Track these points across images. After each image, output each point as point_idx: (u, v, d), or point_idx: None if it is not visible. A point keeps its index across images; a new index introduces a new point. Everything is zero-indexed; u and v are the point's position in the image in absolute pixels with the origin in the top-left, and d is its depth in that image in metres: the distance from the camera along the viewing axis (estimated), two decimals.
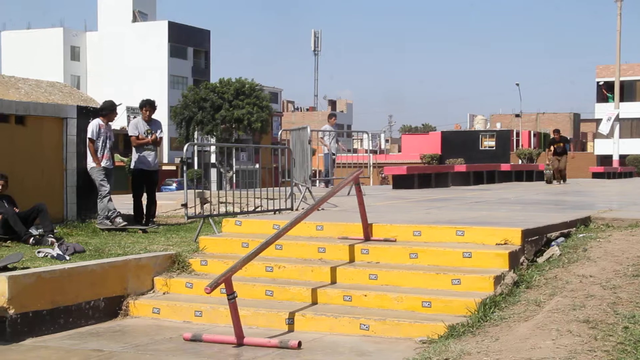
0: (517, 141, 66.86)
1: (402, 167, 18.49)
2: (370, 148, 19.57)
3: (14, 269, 7.58)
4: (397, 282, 7.64)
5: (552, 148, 22.95)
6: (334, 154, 18.12)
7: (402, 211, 11.23)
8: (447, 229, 8.43)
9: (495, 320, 6.35)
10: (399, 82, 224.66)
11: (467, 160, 27.14)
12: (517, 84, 75.57)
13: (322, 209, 10.61)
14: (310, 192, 13.02)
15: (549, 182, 22.27)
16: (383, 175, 18.52)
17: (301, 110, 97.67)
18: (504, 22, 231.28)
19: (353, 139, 52.12)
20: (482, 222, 8.90)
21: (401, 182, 18.04)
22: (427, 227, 8.54)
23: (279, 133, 18.13)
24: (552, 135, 23.97)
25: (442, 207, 11.83)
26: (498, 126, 74.16)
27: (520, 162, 52.45)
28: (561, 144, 22.87)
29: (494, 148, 55.32)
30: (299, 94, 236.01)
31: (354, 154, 27.75)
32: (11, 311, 6.97)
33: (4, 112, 10.57)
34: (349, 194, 13.70)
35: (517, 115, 76.33)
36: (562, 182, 22.72)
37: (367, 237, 8.54)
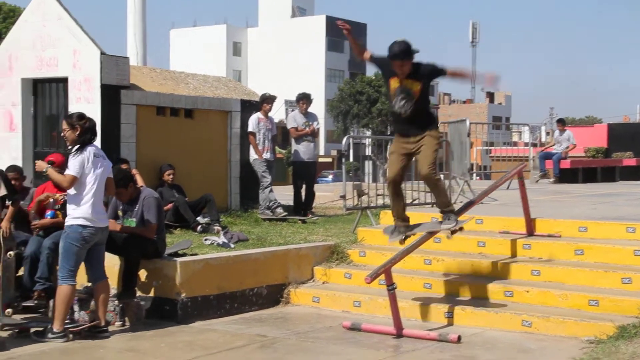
0: None
1: (565, 161, 17.77)
2: (531, 141, 18.91)
3: (184, 255, 7.98)
4: (561, 279, 7.38)
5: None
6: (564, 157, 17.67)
7: (566, 206, 10.81)
8: (616, 225, 8.03)
9: None
10: (561, 72, 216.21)
11: (636, 154, 25.65)
12: None
13: (482, 203, 10.39)
14: (469, 185, 12.81)
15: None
16: (544, 169, 17.84)
17: (458, 103, 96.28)
18: None
19: (512, 132, 50.86)
20: None
21: (564, 176, 17.37)
22: (593, 223, 8.18)
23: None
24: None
25: (610, 203, 11.27)
26: None
27: None
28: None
29: None
30: (455, 86, 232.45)
31: (513, 147, 27.06)
32: (182, 295, 7.36)
33: (175, 106, 11.13)
34: (508, 188, 13.34)
35: None
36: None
37: (530, 232, 8.29)
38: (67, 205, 6.79)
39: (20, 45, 10.81)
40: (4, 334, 6.68)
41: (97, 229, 6.75)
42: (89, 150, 6.71)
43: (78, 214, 6.65)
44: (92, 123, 6.89)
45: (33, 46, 10.65)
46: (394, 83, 6.93)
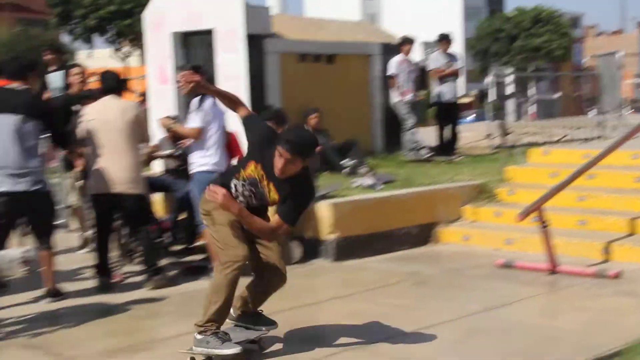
0: None
1: None
2: None
3: (334, 197, 8.17)
4: None
5: None
6: None
7: None
8: None
9: None
10: None
11: None
12: None
13: (637, 137, 9.97)
14: (622, 119, 12.30)
15: None
16: None
17: (606, 34, 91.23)
18: None
19: None
20: None
21: None
22: None
23: (584, 60, 17.05)
24: None
25: None
26: None
27: None
28: None
29: None
30: (602, 16, 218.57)
31: None
32: (335, 234, 7.58)
33: (317, 52, 11.27)
34: None
35: None
36: None
37: None
38: (192, 154, 6.95)
39: (169, 1, 11.24)
40: (171, 272, 7.14)
41: None
42: (209, 102, 6.81)
43: (205, 162, 6.81)
44: (209, 74, 7.06)
45: (181, 0, 11.05)
46: (253, 169, 4.61)
